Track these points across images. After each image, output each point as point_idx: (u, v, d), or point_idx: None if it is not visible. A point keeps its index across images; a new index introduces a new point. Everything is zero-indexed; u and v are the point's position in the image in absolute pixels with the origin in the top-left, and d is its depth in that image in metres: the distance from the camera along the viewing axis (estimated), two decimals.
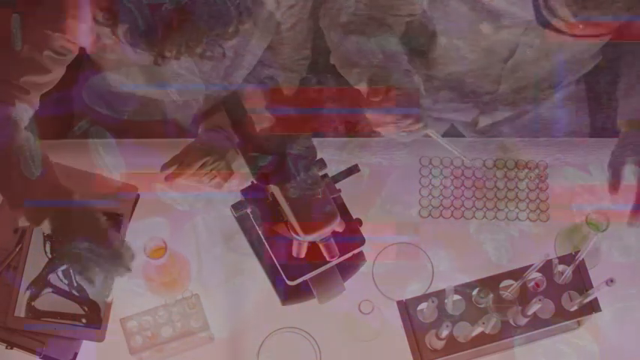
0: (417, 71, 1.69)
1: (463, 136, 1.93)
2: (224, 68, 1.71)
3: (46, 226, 1.51)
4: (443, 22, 1.66)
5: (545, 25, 1.45)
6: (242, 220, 1.59)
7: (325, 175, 1.53)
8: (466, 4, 1.58)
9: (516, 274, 1.50)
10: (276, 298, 1.60)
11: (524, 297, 1.48)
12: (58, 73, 1.60)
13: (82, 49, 1.60)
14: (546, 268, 1.49)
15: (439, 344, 1.47)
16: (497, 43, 1.65)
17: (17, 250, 1.65)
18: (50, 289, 1.63)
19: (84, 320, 1.60)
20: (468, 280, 1.51)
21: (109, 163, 1.77)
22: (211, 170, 1.70)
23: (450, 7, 1.61)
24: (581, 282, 1.51)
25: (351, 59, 1.66)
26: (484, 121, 1.88)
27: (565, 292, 1.50)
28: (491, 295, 1.48)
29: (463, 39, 1.67)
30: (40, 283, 1.64)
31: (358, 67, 1.64)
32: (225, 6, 1.35)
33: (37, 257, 1.62)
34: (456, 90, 1.83)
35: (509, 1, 1.53)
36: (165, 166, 1.69)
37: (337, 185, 1.55)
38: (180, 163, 1.68)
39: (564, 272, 1.50)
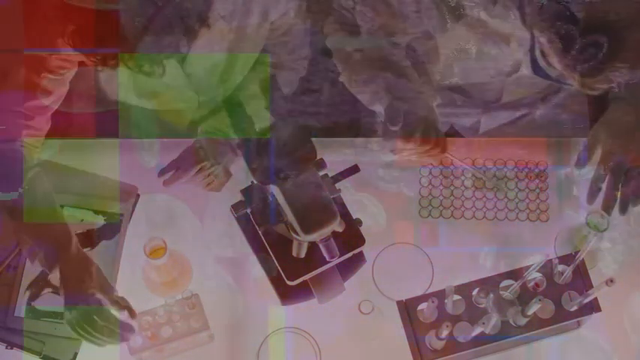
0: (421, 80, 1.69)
1: (462, 136, 1.93)
2: (217, 75, 1.71)
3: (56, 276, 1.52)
4: (444, 40, 1.66)
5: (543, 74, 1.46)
6: (242, 220, 1.59)
7: (325, 175, 1.53)
8: (470, 30, 1.58)
9: (516, 274, 1.50)
10: (276, 298, 1.60)
11: (524, 297, 1.48)
12: (60, 92, 1.60)
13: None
14: (546, 268, 1.49)
15: (439, 344, 1.47)
16: (501, 60, 1.65)
17: (17, 250, 1.66)
18: (50, 289, 1.63)
19: None
20: (467, 280, 1.51)
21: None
22: (209, 175, 1.70)
23: (453, 30, 1.61)
24: (581, 282, 1.51)
25: (363, 79, 1.66)
26: (486, 126, 1.87)
27: (565, 292, 1.50)
28: (491, 295, 1.48)
29: (464, 54, 1.67)
30: (40, 283, 1.64)
31: (371, 87, 1.64)
32: (170, 26, 1.36)
33: None
34: (457, 97, 1.82)
35: (515, 27, 1.52)
36: (162, 172, 1.69)
37: (337, 185, 1.55)
38: (177, 168, 1.68)
39: (564, 272, 1.50)
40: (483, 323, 1.40)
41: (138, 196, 1.74)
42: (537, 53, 1.46)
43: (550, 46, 1.38)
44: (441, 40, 1.66)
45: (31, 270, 1.64)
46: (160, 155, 1.77)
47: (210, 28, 1.52)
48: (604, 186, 1.65)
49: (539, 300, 1.40)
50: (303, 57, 1.80)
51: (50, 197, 1.56)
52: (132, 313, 1.52)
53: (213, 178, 1.71)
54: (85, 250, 1.66)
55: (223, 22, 1.58)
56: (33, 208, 1.53)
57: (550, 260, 1.50)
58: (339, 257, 1.50)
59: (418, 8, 1.62)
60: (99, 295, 1.50)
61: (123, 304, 1.51)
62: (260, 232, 1.54)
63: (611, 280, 1.36)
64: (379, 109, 1.66)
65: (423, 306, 1.50)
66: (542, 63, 1.46)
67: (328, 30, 1.73)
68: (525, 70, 1.63)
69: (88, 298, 1.49)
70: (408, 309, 1.50)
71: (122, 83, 1.70)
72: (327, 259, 1.48)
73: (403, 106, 1.58)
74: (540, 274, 1.49)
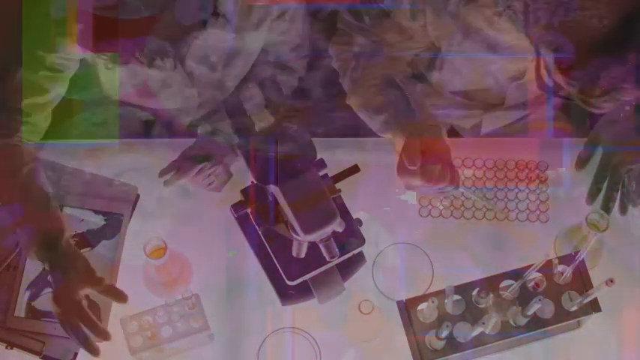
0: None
1: (461, 136, 1.93)
2: (217, 75, 1.71)
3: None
4: (449, 51, 1.65)
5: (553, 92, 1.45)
6: (242, 220, 1.59)
7: (325, 175, 1.53)
8: (476, 41, 1.58)
9: (516, 274, 1.50)
10: (276, 298, 1.60)
11: (524, 297, 1.48)
12: (58, 90, 1.59)
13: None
14: (546, 268, 1.49)
15: (439, 344, 1.47)
16: (505, 70, 1.64)
17: (17, 250, 1.66)
18: (50, 289, 1.63)
19: None
20: (468, 280, 1.52)
21: None
22: (209, 175, 1.70)
23: (458, 44, 1.60)
24: (581, 282, 1.51)
25: (373, 105, 1.66)
26: (487, 128, 1.87)
27: (565, 292, 1.51)
28: (491, 295, 1.48)
29: (468, 63, 1.67)
30: (40, 283, 1.64)
31: (382, 114, 1.64)
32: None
33: None
34: (458, 99, 1.82)
35: (520, 39, 1.52)
36: (162, 172, 1.69)
37: (337, 185, 1.55)
38: (178, 168, 1.68)
39: (564, 272, 1.50)
40: (483, 323, 1.40)
41: (138, 196, 1.74)
42: (541, 68, 1.45)
43: (553, 62, 1.37)
44: (443, 49, 1.66)
45: (31, 270, 1.64)
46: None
47: (210, 27, 1.52)
48: (604, 186, 1.66)
49: (539, 300, 1.40)
50: (303, 57, 1.80)
51: (44, 194, 1.57)
52: (122, 298, 1.51)
53: (214, 178, 1.71)
54: (85, 250, 1.67)
55: (223, 21, 1.58)
56: (27, 204, 1.54)
57: (550, 260, 1.50)
58: (339, 257, 1.50)
59: (424, 22, 1.61)
60: (87, 290, 1.50)
61: (112, 292, 1.51)
62: (260, 232, 1.54)
63: (611, 280, 1.36)
64: (389, 136, 1.65)
65: (423, 306, 1.50)
66: (545, 78, 1.45)
67: (333, 51, 1.72)
68: (529, 81, 1.63)
69: (73, 294, 1.49)
70: (408, 309, 1.51)
71: (123, 82, 1.70)
72: (327, 259, 1.48)
73: (420, 145, 1.55)
74: (540, 274, 1.49)
